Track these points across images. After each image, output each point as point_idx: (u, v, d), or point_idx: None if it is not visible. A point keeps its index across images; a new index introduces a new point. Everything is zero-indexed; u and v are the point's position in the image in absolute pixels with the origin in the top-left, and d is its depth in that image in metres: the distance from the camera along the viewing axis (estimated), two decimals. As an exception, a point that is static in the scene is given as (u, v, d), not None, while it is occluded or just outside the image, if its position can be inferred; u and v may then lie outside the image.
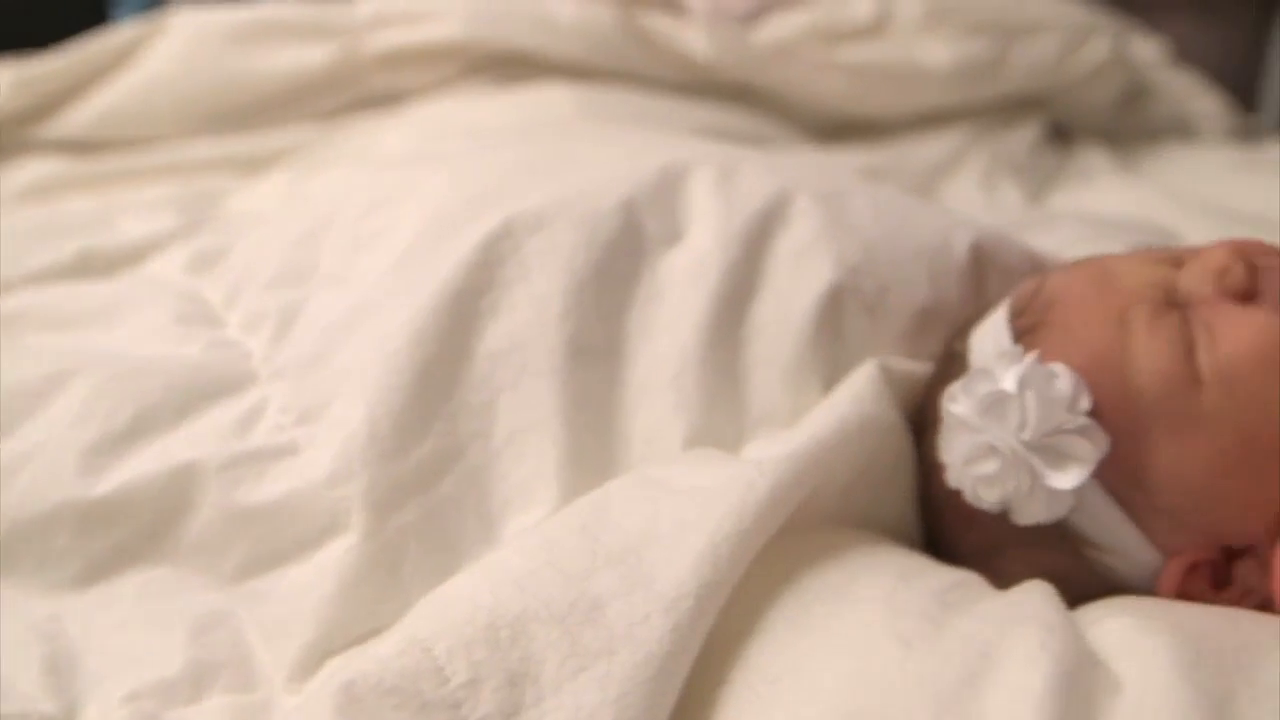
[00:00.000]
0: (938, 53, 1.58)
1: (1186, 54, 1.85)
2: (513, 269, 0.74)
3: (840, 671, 0.50)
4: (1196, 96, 1.83)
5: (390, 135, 1.37)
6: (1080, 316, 0.66)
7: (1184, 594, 0.63)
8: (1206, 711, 0.46)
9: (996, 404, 0.62)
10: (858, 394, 0.67)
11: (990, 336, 0.69)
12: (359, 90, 1.47)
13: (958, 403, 0.64)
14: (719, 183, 0.79)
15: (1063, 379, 0.62)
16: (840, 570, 0.57)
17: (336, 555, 0.64)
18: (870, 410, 0.66)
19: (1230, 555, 0.63)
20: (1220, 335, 0.63)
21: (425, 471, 0.67)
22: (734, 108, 1.53)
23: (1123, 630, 0.51)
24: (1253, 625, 0.53)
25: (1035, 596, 0.54)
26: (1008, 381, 0.63)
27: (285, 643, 0.62)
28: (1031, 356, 0.64)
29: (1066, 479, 0.61)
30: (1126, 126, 1.78)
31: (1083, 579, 0.64)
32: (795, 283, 0.75)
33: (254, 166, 1.39)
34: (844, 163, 1.42)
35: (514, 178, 0.79)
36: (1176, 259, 0.69)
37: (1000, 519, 0.64)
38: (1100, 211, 1.41)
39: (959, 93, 1.60)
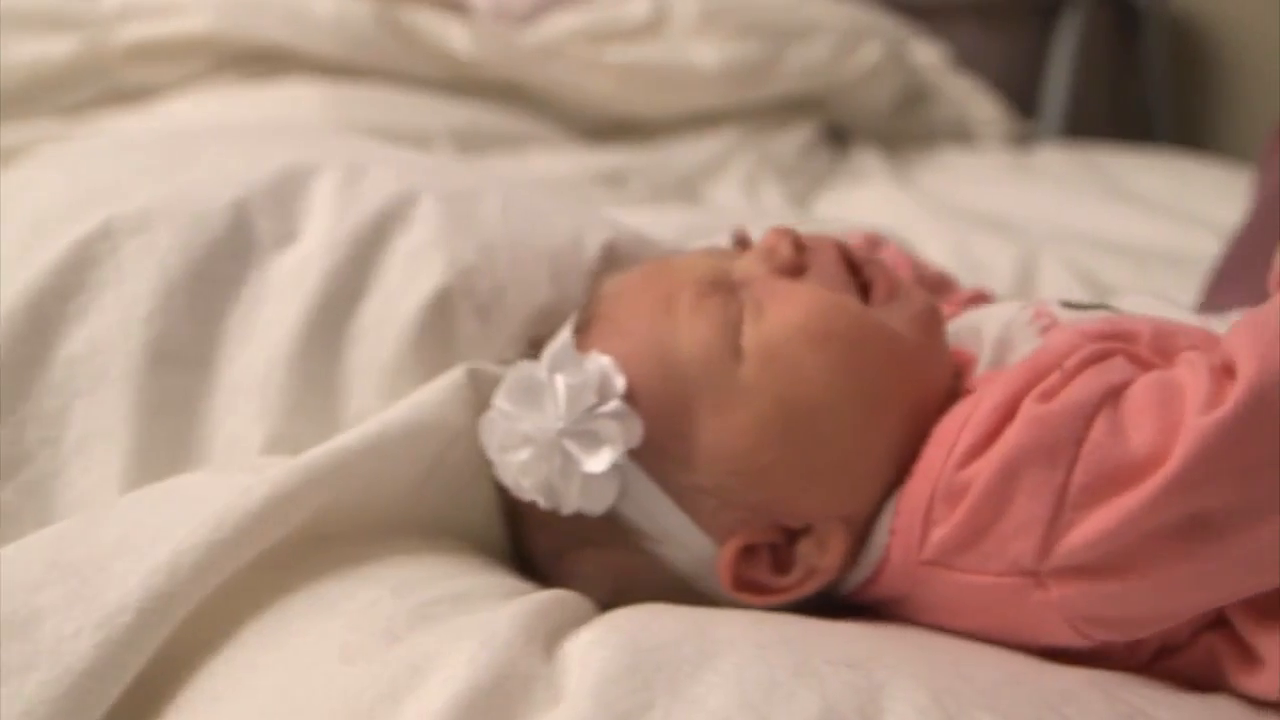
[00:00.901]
0: (707, 54, 1.57)
1: (969, 60, 1.88)
2: (108, 271, 0.70)
3: (276, 689, 0.48)
4: (976, 101, 1.85)
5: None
6: (626, 306, 0.66)
7: (742, 581, 0.61)
8: (600, 729, 0.44)
9: (528, 390, 0.61)
10: (421, 399, 0.65)
11: (562, 334, 0.68)
12: (105, 84, 1.42)
13: (498, 394, 0.63)
14: (343, 183, 0.77)
15: (593, 363, 0.61)
16: (341, 581, 0.54)
17: None
18: (433, 415, 0.64)
19: (792, 536, 0.62)
20: (766, 309, 0.63)
21: (-20, 480, 0.63)
22: (499, 106, 1.51)
23: (585, 643, 0.50)
24: (723, 632, 0.51)
25: (512, 608, 0.51)
26: (540, 368, 0.62)
27: None
28: (564, 343, 0.64)
29: (598, 462, 0.60)
30: (906, 129, 1.80)
31: (650, 577, 0.63)
32: (405, 285, 0.72)
33: (-9, 161, 1.33)
34: (594, 163, 1.41)
35: (126, 177, 0.76)
36: (740, 252, 0.69)
37: (561, 518, 0.62)
38: (842, 216, 1.41)
39: (729, 94, 1.60)
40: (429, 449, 0.64)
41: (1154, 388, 0.55)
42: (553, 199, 0.84)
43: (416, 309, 0.72)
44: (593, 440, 0.60)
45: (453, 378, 0.67)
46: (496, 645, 0.48)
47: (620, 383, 0.61)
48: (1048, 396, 0.56)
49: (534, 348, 0.69)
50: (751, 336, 0.62)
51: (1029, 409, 0.56)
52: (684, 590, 0.63)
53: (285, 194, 0.76)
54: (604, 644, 0.49)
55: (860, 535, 0.61)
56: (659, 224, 1.00)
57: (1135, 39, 2.05)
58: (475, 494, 0.67)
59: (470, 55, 1.49)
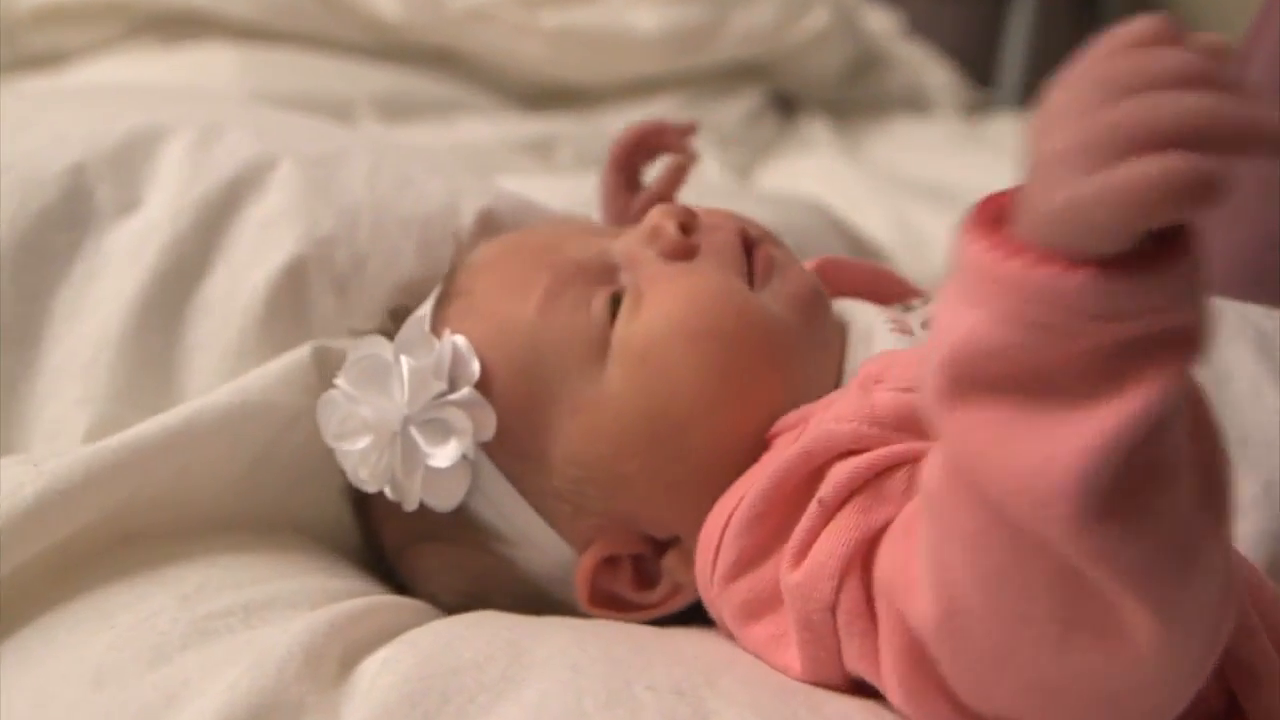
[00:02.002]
0: (646, 18, 1.50)
1: (924, 29, 1.80)
2: (-68, 243, 0.63)
3: (18, 714, 0.42)
4: (930, 69, 1.78)
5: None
6: (486, 283, 0.58)
7: (601, 594, 0.55)
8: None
9: (371, 371, 0.54)
10: (249, 381, 0.57)
11: (423, 307, 0.60)
12: (15, 50, 1.34)
13: (340, 374, 0.56)
14: (195, 146, 0.69)
15: (445, 347, 0.54)
16: (129, 588, 0.48)
17: None
18: (262, 397, 0.57)
19: (659, 548, 0.55)
20: (644, 300, 0.55)
21: None
22: (428, 72, 1.43)
23: (377, 663, 0.43)
24: (540, 651, 0.44)
25: (304, 622, 0.44)
26: (386, 347, 0.54)
27: None
28: (416, 320, 0.57)
29: (444, 455, 0.53)
30: (859, 98, 1.72)
31: (503, 577, 0.56)
32: (254, 257, 0.65)
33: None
34: (522, 130, 1.34)
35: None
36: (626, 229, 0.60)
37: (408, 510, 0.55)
38: (784, 186, 1.34)
39: (669, 60, 1.52)
40: (258, 434, 0.57)
41: (896, 558, 0.43)
42: (429, 163, 0.76)
43: (265, 282, 0.65)
44: (440, 430, 0.53)
45: (295, 356, 0.61)
46: (265, 669, 0.41)
47: (474, 368, 0.54)
48: (799, 556, 0.46)
49: (394, 320, 0.62)
50: (623, 333, 0.54)
51: (784, 577, 0.46)
52: (539, 596, 0.56)
53: (130, 158, 0.69)
54: (393, 667, 0.42)
55: None
56: (570, 193, 0.93)
57: (1094, 6, 1.97)
58: (319, 482, 0.60)
59: (398, 19, 1.41)
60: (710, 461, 0.53)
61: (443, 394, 0.53)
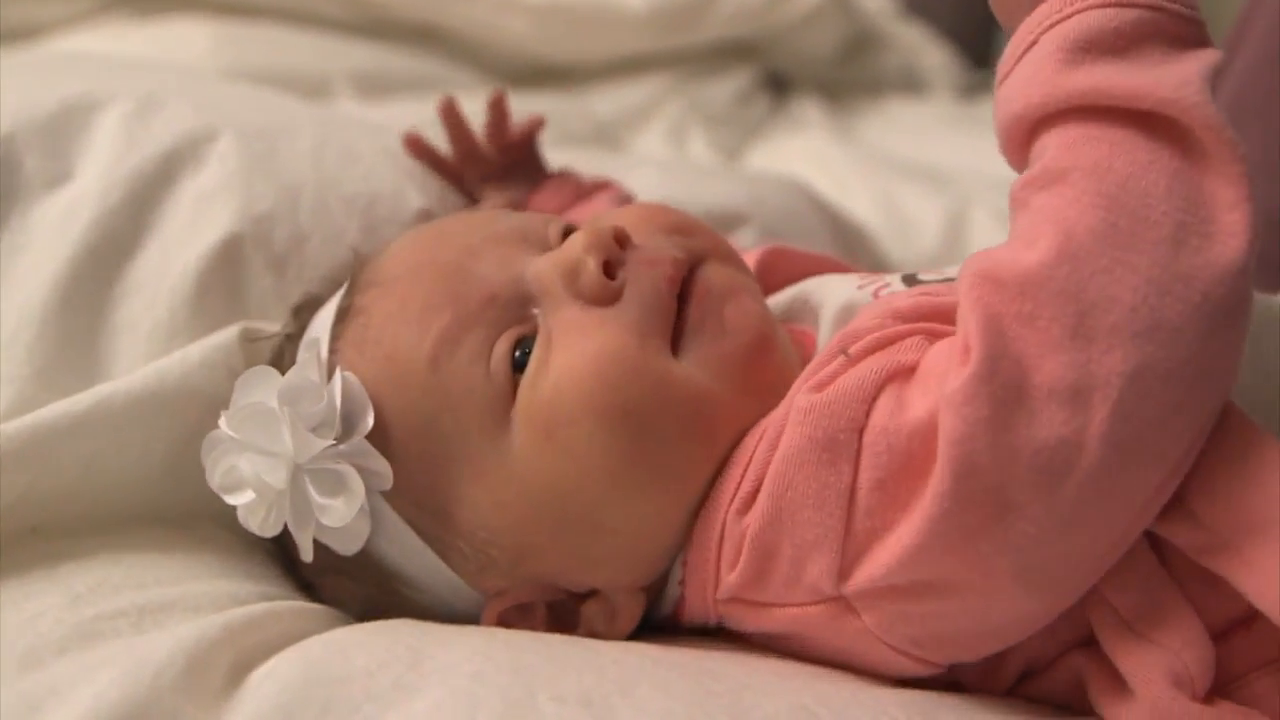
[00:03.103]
0: (635, -4, 1.46)
1: (919, 8, 1.76)
2: None
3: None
4: (926, 50, 1.74)
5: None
6: (387, 308, 0.52)
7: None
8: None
9: (255, 419, 0.48)
10: (166, 365, 0.54)
11: (323, 316, 0.55)
12: (-14, 22, 1.31)
13: (224, 415, 0.50)
14: (132, 117, 0.66)
15: (335, 389, 0.49)
16: (20, 586, 0.45)
17: None
18: (179, 384, 0.54)
19: (577, 595, 0.51)
20: (554, 358, 0.49)
21: None
22: (411, 49, 1.40)
23: (265, 672, 0.40)
24: (443, 657, 0.41)
25: (193, 628, 0.40)
26: (271, 390, 0.49)
27: None
28: (307, 357, 0.51)
29: (336, 513, 0.48)
30: (852, 78, 1.68)
31: (409, 612, 0.51)
32: (188, 233, 0.62)
33: None
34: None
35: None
36: (562, 231, 0.54)
37: None
38: (772, 166, 1.30)
39: (657, 38, 1.48)
40: (175, 422, 0.54)
41: (942, 354, 0.45)
42: (382, 140, 0.73)
43: (198, 260, 0.62)
44: (333, 482, 0.48)
45: (219, 339, 0.57)
46: (139, 677, 0.38)
47: (369, 420, 0.49)
48: (822, 385, 0.45)
49: (298, 317, 0.57)
50: (528, 396, 0.48)
51: (800, 400, 0.45)
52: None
53: (62, 129, 0.65)
54: (276, 676, 0.39)
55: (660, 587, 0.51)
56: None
57: (1096, -13, 1.93)
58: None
59: (378, -6, 1.37)
60: (632, 538, 0.49)
61: (333, 445, 0.48)
